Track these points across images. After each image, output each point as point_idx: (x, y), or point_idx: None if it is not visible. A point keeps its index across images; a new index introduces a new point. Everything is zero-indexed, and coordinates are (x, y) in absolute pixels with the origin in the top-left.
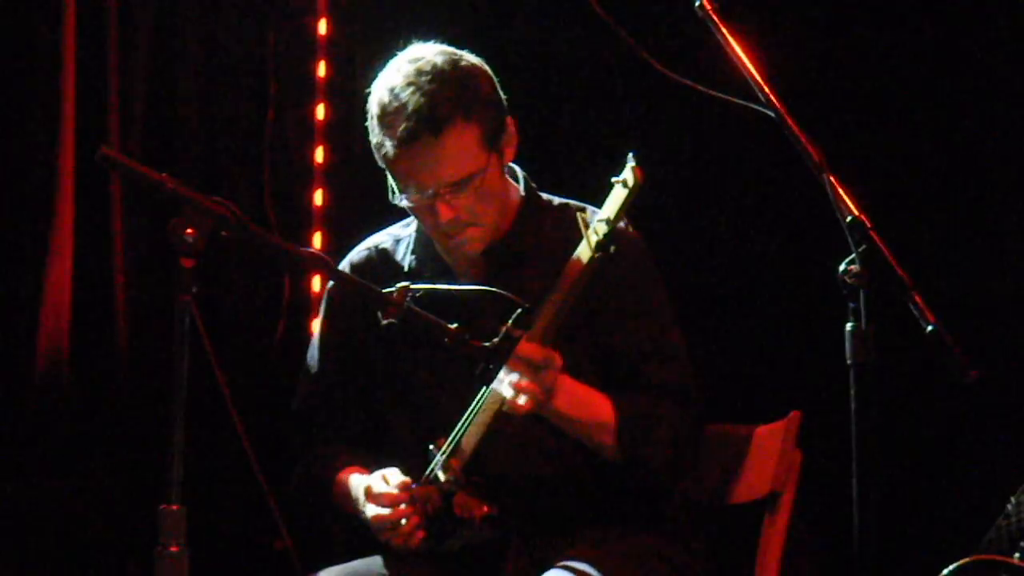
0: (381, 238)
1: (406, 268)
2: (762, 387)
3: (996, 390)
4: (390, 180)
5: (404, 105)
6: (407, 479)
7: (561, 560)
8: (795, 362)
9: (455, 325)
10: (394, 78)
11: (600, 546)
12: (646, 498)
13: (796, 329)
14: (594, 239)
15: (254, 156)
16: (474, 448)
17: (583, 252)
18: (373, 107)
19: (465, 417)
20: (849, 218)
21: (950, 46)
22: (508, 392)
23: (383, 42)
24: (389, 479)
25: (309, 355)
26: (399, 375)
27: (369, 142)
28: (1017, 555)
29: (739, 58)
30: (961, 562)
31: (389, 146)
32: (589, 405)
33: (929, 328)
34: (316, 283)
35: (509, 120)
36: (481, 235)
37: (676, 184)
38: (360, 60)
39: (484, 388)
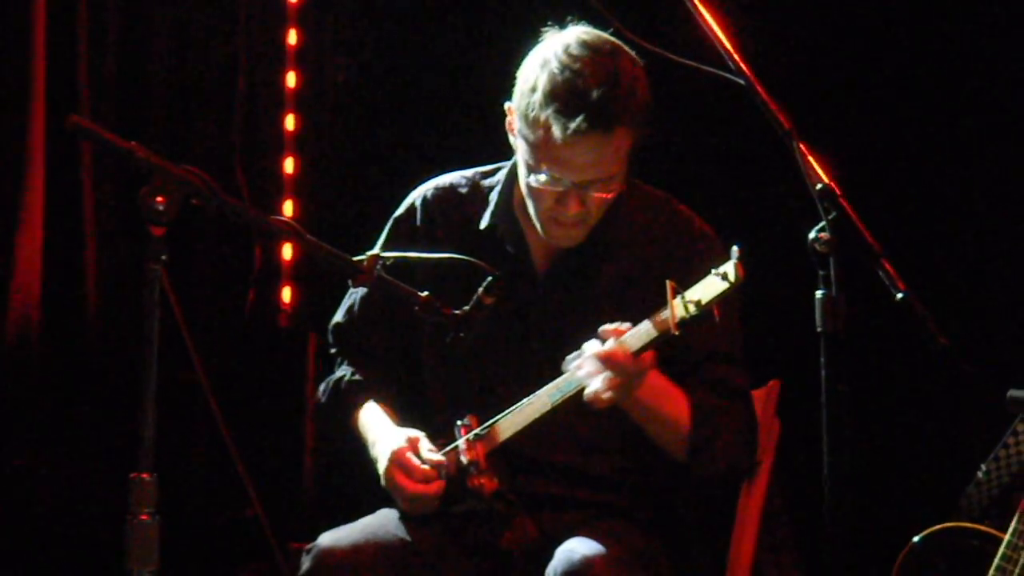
0: (459, 181)
1: (482, 225)
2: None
3: (966, 357)
4: (521, 148)
5: (582, 93)
6: (441, 459)
7: (566, 536)
8: (766, 330)
9: (426, 293)
10: (569, 56)
11: (605, 525)
12: (660, 496)
13: (766, 297)
14: (679, 314)
15: (225, 124)
16: (505, 440)
17: (663, 319)
18: (541, 80)
19: (510, 409)
20: (819, 186)
21: (919, 13)
22: (595, 387)
23: (353, 10)
24: (421, 451)
25: None
26: (435, 337)
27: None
28: (987, 522)
29: (709, 26)
30: (932, 529)
31: (557, 132)
32: (668, 399)
33: (899, 295)
34: (287, 251)
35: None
36: (586, 231)
37: (647, 153)
38: (331, 28)
39: (553, 382)
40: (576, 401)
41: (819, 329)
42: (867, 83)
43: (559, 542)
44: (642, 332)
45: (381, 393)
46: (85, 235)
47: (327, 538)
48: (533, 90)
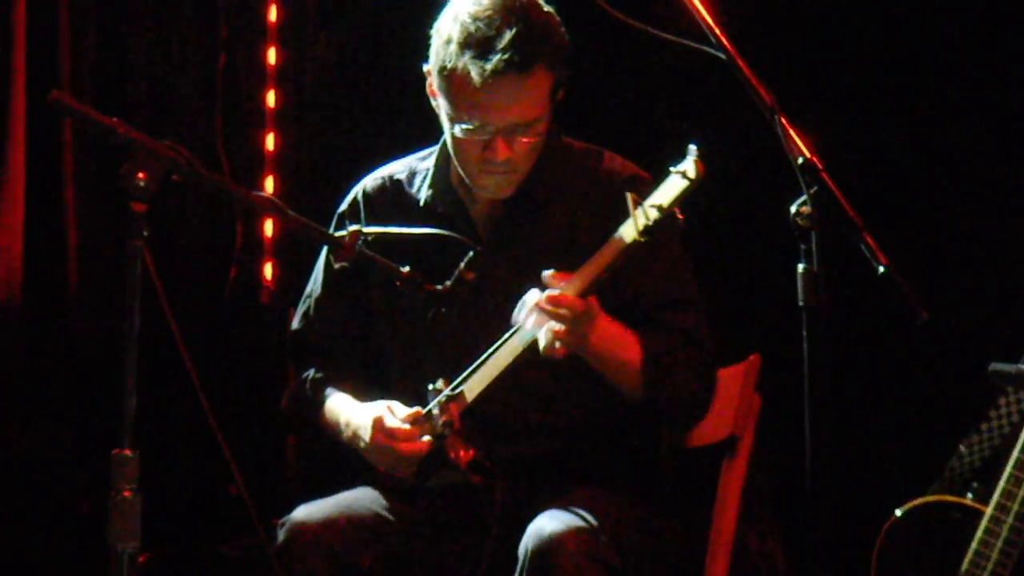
0: (396, 168)
1: (421, 201)
2: (714, 330)
3: (948, 331)
4: (443, 106)
5: (495, 37)
6: (416, 410)
7: (548, 506)
8: (747, 305)
9: (407, 268)
10: (478, 6)
11: (566, 498)
12: (637, 453)
13: (748, 271)
14: (642, 222)
15: (206, 100)
16: (476, 397)
17: (627, 232)
18: (454, 31)
19: (474, 365)
20: (800, 159)
21: None
22: (546, 338)
23: None
24: (396, 412)
25: (312, 277)
26: (400, 311)
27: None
28: (970, 495)
29: (690, 1)
30: (914, 503)
31: (475, 76)
32: (620, 344)
33: (881, 269)
34: (268, 227)
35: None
36: (518, 180)
37: (628, 127)
38: (312, 3)
39: (504, 337)
40: (533, 352)
41: (800, 303)
42: (849, 57)
43: (533, 509)
44: (591, 267)
45: (345, 384)
46: (67, 212)
47: (301, 512)
48: (448, 43)
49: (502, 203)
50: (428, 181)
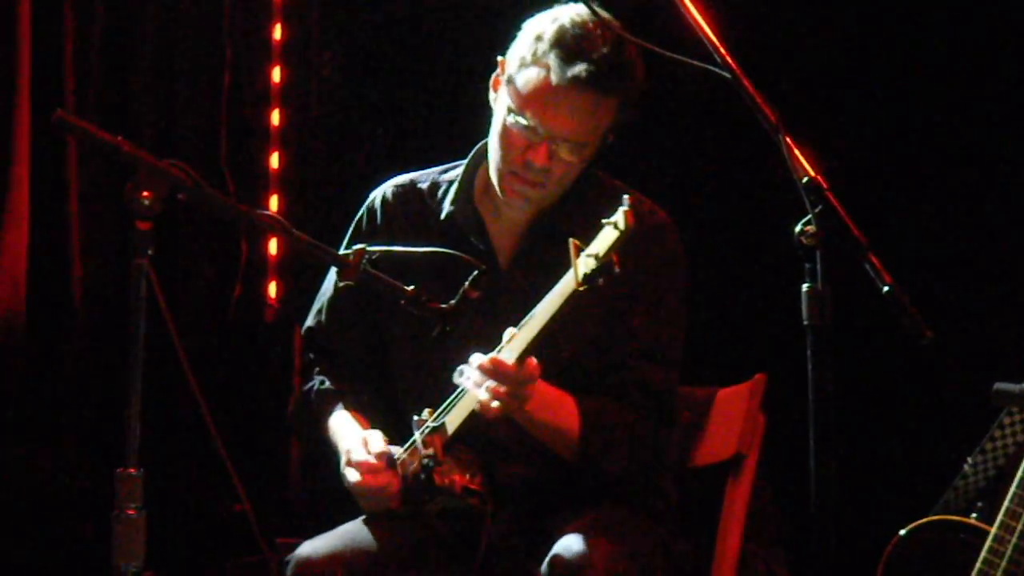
0: (419, 178)
1: (442, 215)
2: (718, 349)
3: (952, 351)
4: (505, 97)
5: (590, 49)
6: (386, 448)
7: (547, 529)
8: (752, 324)
9: (411, 287)
10: (579, 17)
11: (587, 519)
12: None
13: (752, 290)
14: (582, 271)
15: (211, 119)
16: (456, 430)
17: (568, 281)
18: (547, 29)
19: (452, 397)
20: (805, 179)
21: (906, 6)
22: (482, 395)
23: (339, 6)
24: (370, 445)
25: (327, 278)
26: (406, 329)
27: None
28: (974, 515)
29: (695, 20)
30: (918, 522)
31: (556, 76)
32: (557, 412)
33: (885, 289)
34: (273, 246)
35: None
36: (538, 198)
37: (633, 146)
38: (316, 23)
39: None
40: (473, 416)
41: (805, 322)
42: (853, 77)
43: (542, 533)
44: (536, 321)
45: (352, 399)
46: (71, 230)
47: (306, 548)
48: (539, 39)
49: (523, 227)
50: (451, 196)
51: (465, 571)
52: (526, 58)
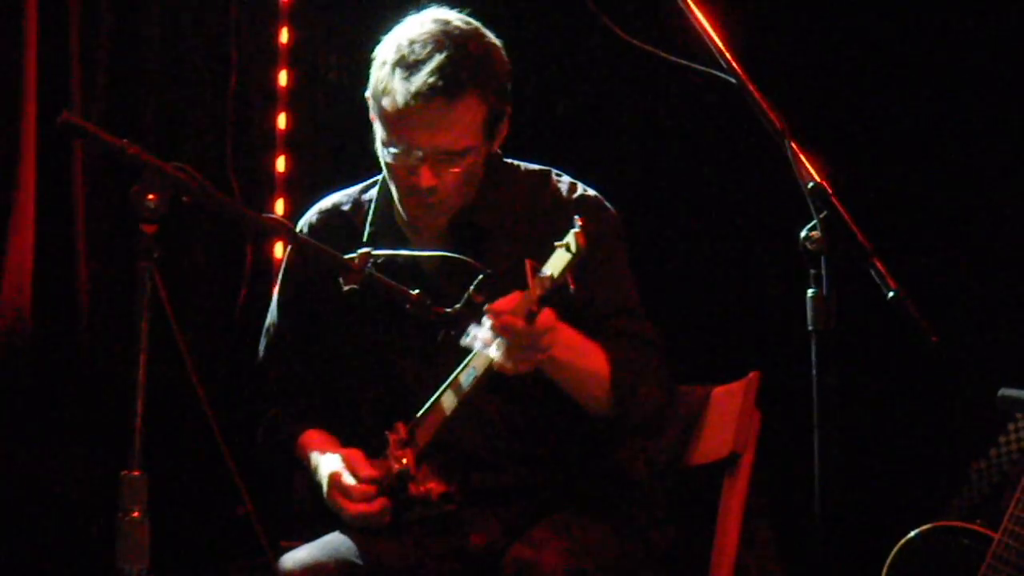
0: (340, 200)
1: (364, 236)
2: (724, 353)
3: (957, 356)
4: (377, 130)
5: (426, 60)
6: (373, 471)
7: (530, 533)
8: (753, 326)
9: (417, 291)
10: (418, 31)
11: (568, 518)
12: (613, 473)
13: (756, 294)
14: (537, 293)
15: (217, 122)
16: (428, 441)
17: (528, 298)
18: (389, 53)
19: (424, 409)
20: (811, 184)
21: (911, 11)
22: (495, 354)
23: (346, 9)
24: (357, 469)
25: (270, 313)
26: (360, 348)
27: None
28: (979, 521)
29: (701, 25)
30: (923, 528)
31: (400, 96)
32: (585, 355)
33: (890, 294)
34: (278, 249)
35: (508, 110)
36: (447, 211)
37: (639, 150)
38: (323, 26)
39: (448, 381)
40: (489, 379)
41: (810, 327)
42: (859, 82)
43: (516, 539)
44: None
45: (316, 420)
46: (77, 233)
47: (288, 560)
48: (383, 64)
49: (444, 237)
50: (370, 218)
51: None
52: (378, 87)
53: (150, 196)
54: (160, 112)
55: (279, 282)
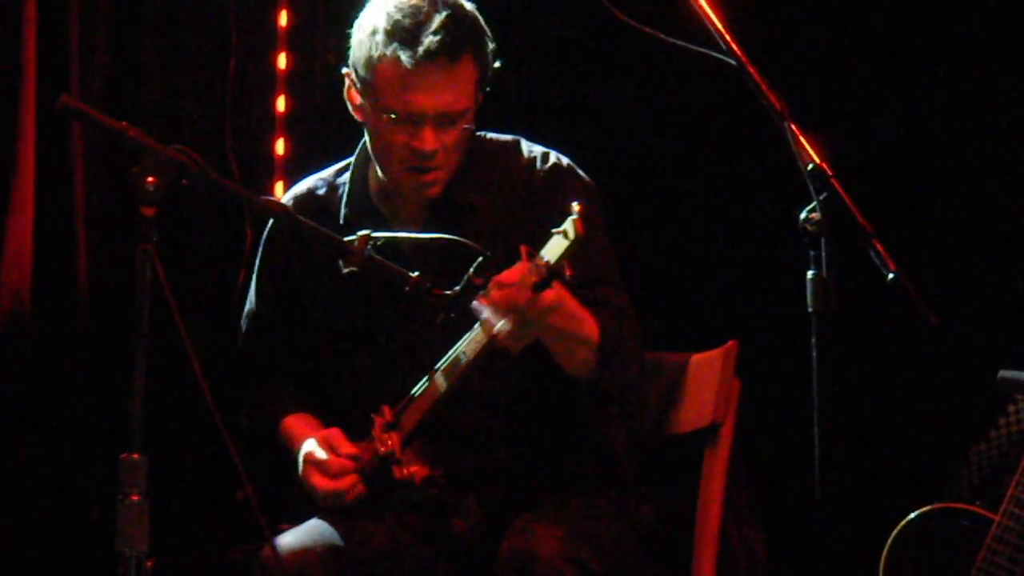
0: (315, 184)
1: (341, 220)
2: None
3: (957, 338)
4: (367, 103)
5: (426, 22)
6: (353, 448)
7: (518, 519)
8: (756, 308)
9: (416, 273)
10: (403, 1)
11: (558, 503)
12: (596, 449)
13: (755, 272)
14: (533, 279)
15: (216, 105)
16: (415, 424)
17: (528, 277)
18: (379, 22)
19: (411, 393)
20: (810, 166)
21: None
22: (501, 325)
23: None
24: (334, 445)
25: (248, 300)
26: (347, 330)
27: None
28: (979, 503)
29: (700, 6)
30: (924, 509)
31: (405, 59)
32: (580, 321)
33: (891, 276)
34: None
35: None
36: (444, 178)
37: (639, 132)
38: (322, 9)
39: (439, 364)
40: (486, 359)
41: (810, 309)
42: (859, 62)
43: (505, 521)
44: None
45: (300, 405)
46: (76, 216)
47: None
48: (373, 33)
49: (427, 211)
50: (344, 199)
51: (433, 560)
52: (372, 56)
53: (150, 179)
54: (159, 95)
55: (257, 267)
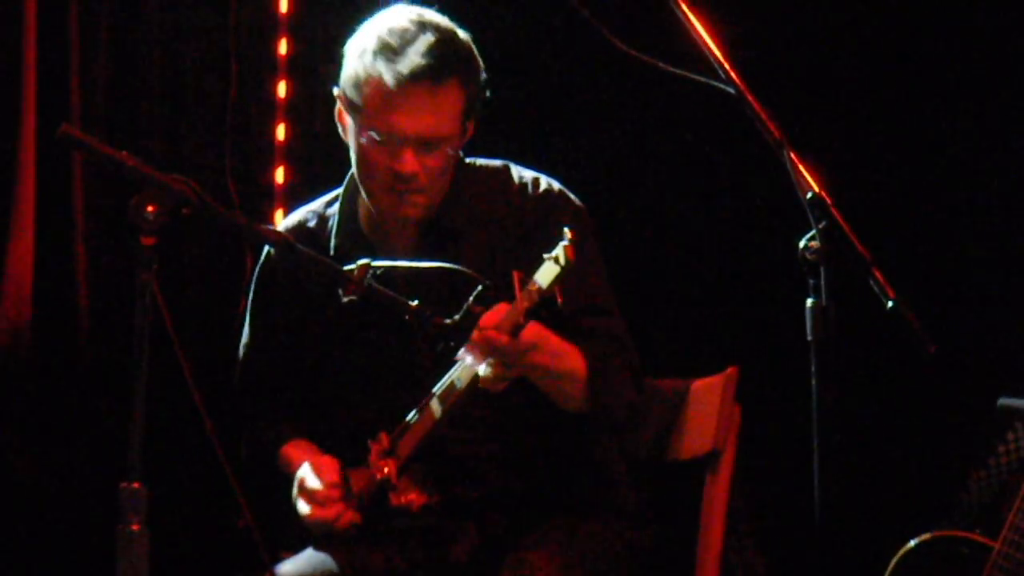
0: (304, 216)
1: (332, 251)
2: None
3: (956, 366)
4: (352, 123)
5: (413, 43)
6: (337, 477)
7: (516, 545)
8: (755, 336)
9: (416, 302)
10: (397, 21)
11: (555, 530)
12: (594, 475)
13: (755, 299)
14: (524, 305)
15: (216, 134)
16: (411, 451)
17: (516, 310)
18: (369, 43)
19: (407, 420)
20: (809, 194)
21: (911, 22)
22: (484, 371)
23: (344, 20)
24: (323, 473)
25: (244, 330)
26: (344, 358)
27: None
28: (978, 530)
29: (699, 35)
30: (922, 537)
31: (389, 77)
32: (563, 356)
33: (890, 304)
34: None
35: (478, 110)
36: (425, 203)
37: (637, 161)
38: (322, 38)
39: (434, 389)
40: (474, 391)
41: (809, 337)
42: (859, 92)
43: (503, 547)
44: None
45: (299, 432)
46: (76, 244)
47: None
48: (362, 54)
49: (417, 238)
50: (334, 230)
51: None
52: (359, 76)
53: (149, 208)
54: (159, 123)
55: (251, 299)
